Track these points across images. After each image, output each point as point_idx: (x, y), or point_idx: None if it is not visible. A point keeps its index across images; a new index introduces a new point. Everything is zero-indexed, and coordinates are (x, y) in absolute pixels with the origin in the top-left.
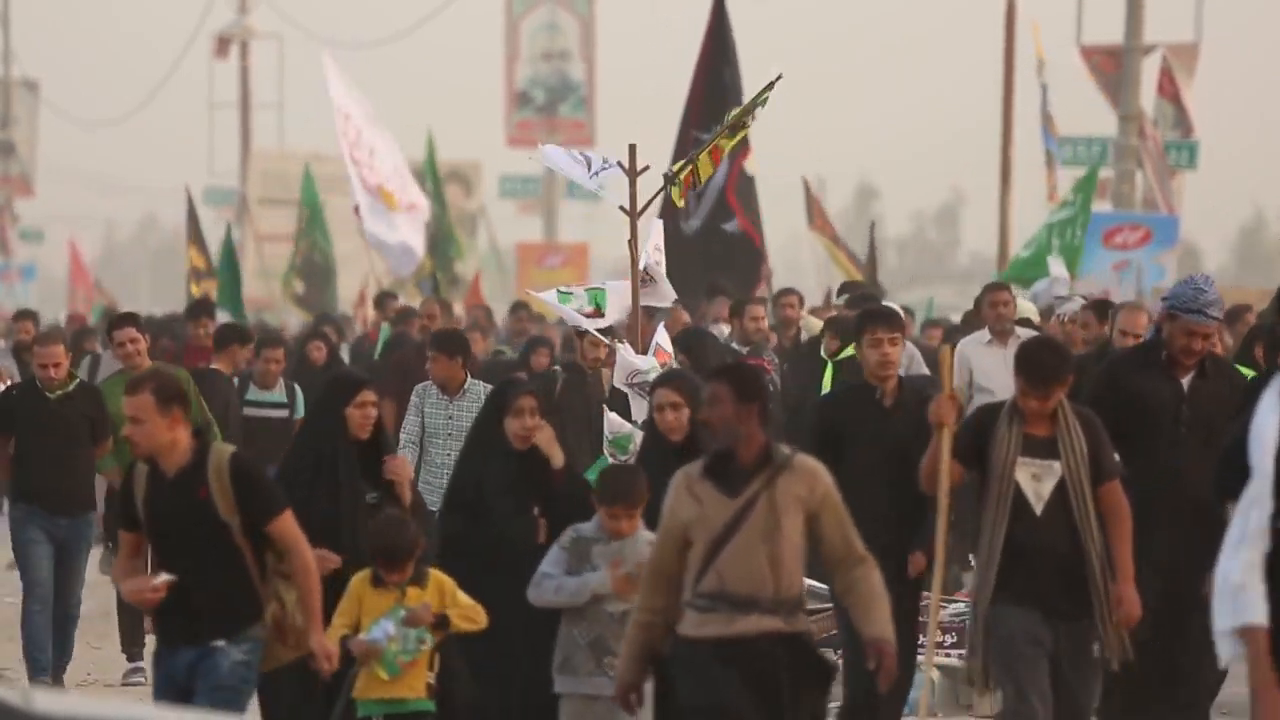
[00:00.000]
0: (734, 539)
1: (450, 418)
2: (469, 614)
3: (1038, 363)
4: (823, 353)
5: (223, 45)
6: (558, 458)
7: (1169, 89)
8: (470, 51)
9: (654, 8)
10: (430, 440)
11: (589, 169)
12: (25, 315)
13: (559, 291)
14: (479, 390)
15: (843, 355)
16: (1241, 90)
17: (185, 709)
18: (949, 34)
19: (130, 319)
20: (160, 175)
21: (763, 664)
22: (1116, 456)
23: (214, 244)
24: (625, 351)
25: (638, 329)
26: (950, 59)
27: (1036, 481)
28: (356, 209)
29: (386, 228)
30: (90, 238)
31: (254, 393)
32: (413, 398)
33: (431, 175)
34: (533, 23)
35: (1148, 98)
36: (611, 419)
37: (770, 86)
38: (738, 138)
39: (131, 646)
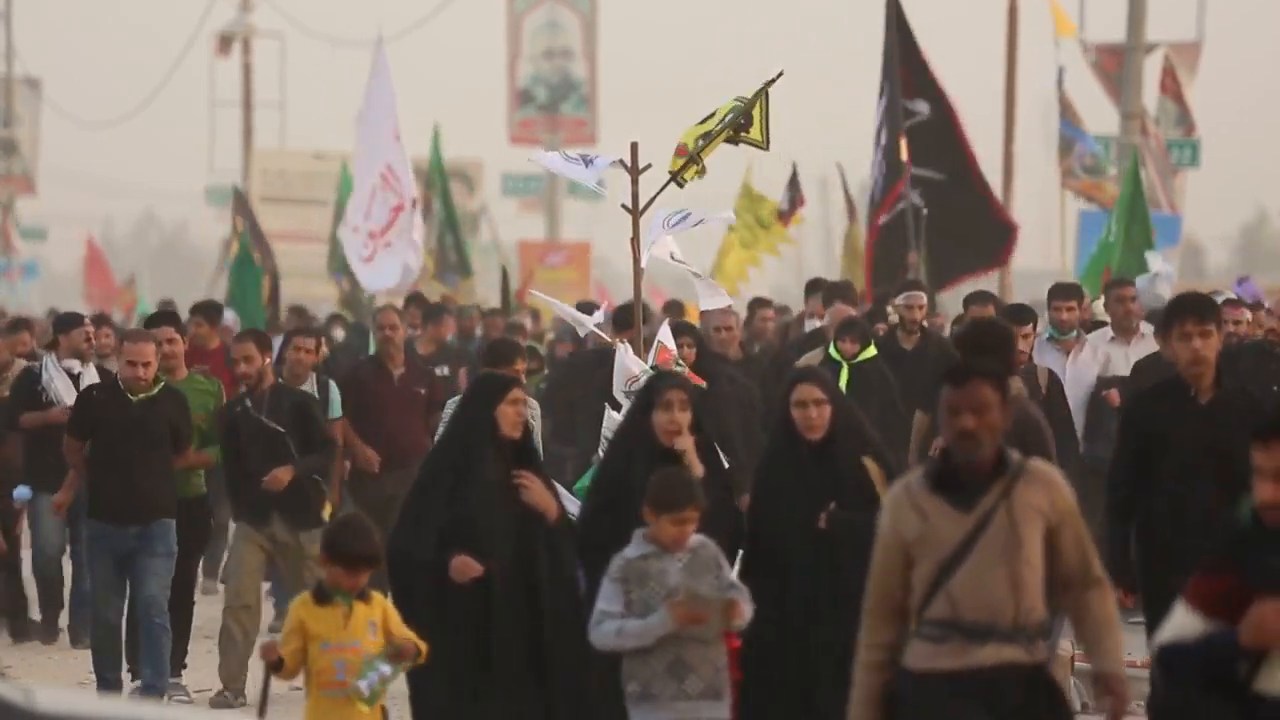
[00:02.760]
0: (968, 559)
1: None
2: (418, 644)
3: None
4: (834, 353)
5: (225, 43)
6: (697, 469)
7: (1171, 87)
8: (472, 50)
9: (656, 5)
10: None
11: (585, 165)
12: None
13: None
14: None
15: (861, 359)
16: (1243, 88)
17: (185, 709)
18: (949, 29)
19: (168, 318)
20: (162, 173)
21: (1001, 700)
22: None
23: (213, 242)
24: (624, 354)
25: (639, 328)
26: (950, 55)
27: None
28: (414, 203)
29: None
30: (86, 238)
31: None
32: (449, 410)
33: (439, 172)
34: (534, 21)
35: (1150, 96)
36: (614, 418)
37: (771, 83)
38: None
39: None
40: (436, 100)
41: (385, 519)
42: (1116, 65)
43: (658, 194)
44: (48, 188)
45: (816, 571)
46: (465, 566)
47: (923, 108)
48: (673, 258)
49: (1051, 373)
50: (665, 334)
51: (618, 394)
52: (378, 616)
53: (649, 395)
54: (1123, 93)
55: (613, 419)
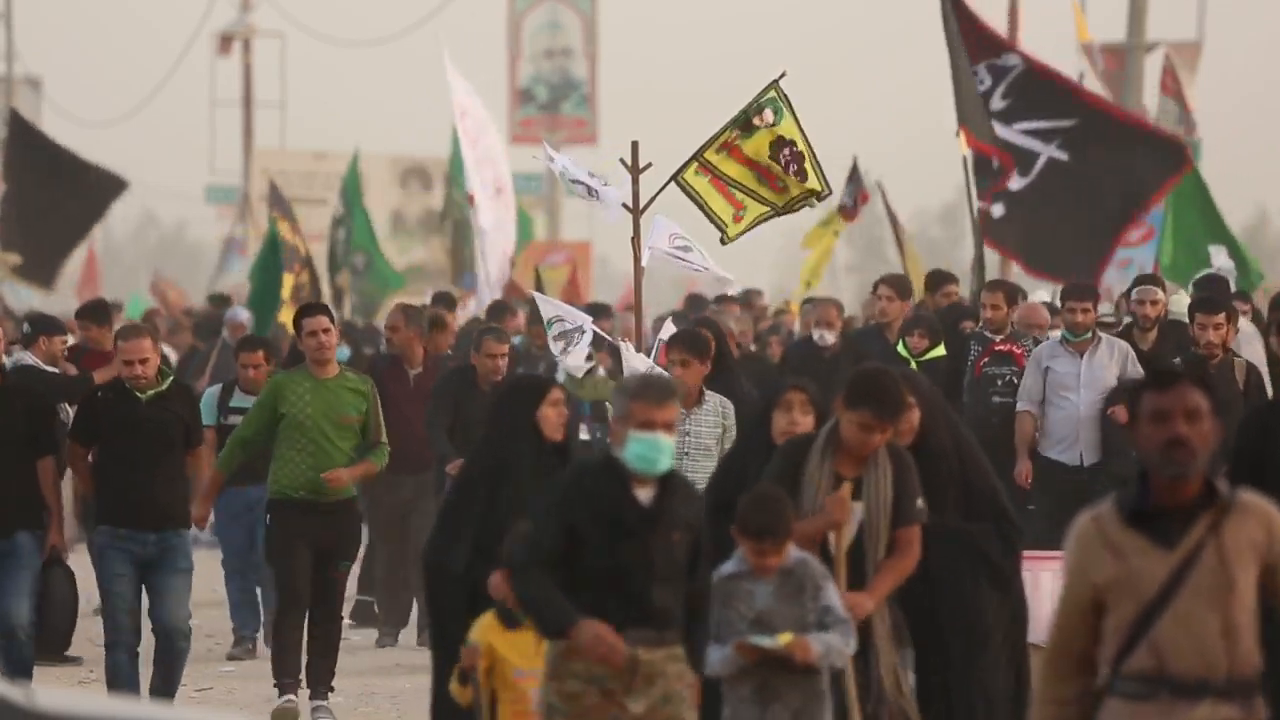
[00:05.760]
0: (1173, 603)
1: (688, 433)
2: None
3: (884, 391)
4: (902, 350)
5: (225, 43)
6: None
7: (1171, 87)
8: (472, 49)
9: (656, 5)
10: None
11: (589, 177)
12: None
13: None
14: (717, 403)
15: (930, 356)
16: (1244, 88)
17: (186, 709)
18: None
19: (321, 308)
20: (162, 173)
21: None
22: (921, 502)
23: (214, 242)
24: (626, 353)
25: (638, 328)
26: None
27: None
28: (471, 198)
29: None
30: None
31: (239, 399)
32: None
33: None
34: (535, 20)
35: (1150, 95)
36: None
37: (774, 85)
38: (756, 136)
39: (284, 677)
40: (436, 99)
41: (402, 525)
42: (1117, 64)
43: (658, 193)
44: None
45: (909, 580)
46: (499, 586)
47: (1013, 60)
48: (672, 248)
49: (1252, 366)
50: (667, 332)
51: None
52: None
53: (770, 395)
54: (1123, 92)
55: None
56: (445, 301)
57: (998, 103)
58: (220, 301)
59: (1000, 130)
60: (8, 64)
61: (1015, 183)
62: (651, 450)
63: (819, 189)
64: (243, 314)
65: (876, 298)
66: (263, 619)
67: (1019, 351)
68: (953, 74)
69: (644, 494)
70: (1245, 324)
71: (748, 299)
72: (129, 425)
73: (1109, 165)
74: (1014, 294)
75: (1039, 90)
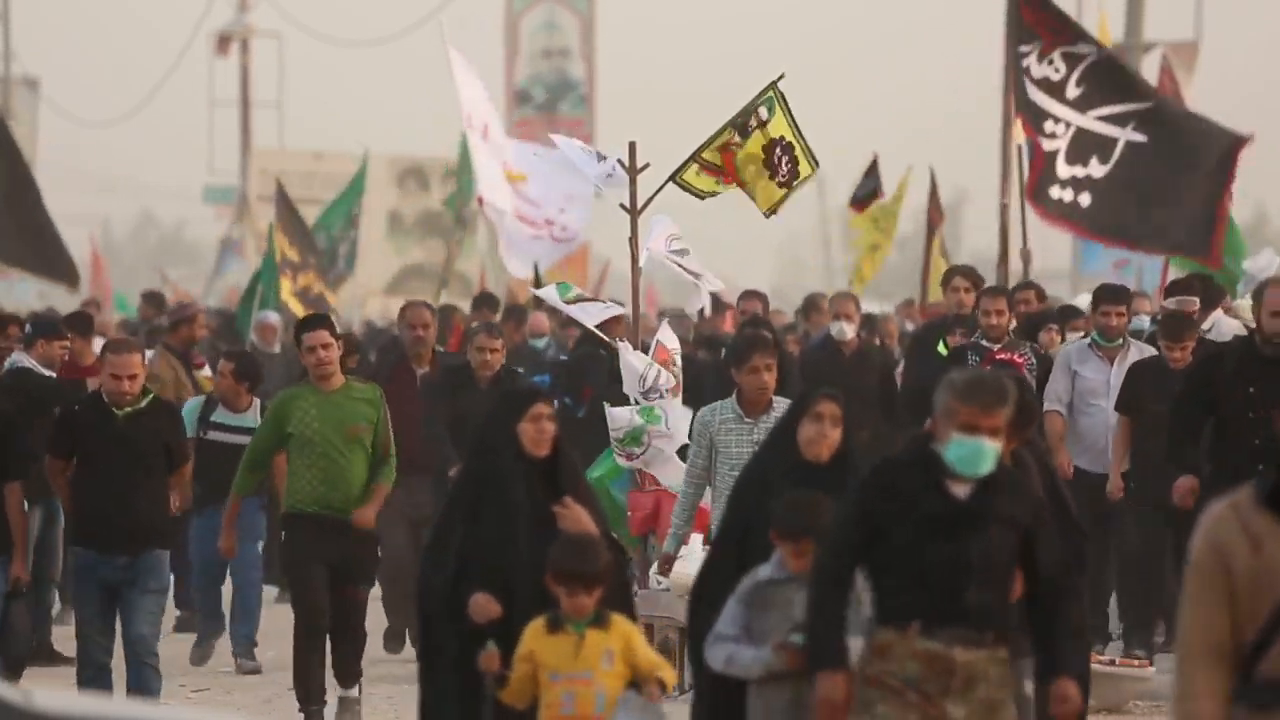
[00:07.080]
0: None
1: (758, 443)
2: (665, 673)
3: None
4: (943, 349)
5: (223, 43)
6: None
7: (1169, 87)
8: (470, 49)
9: (654, 5)
10: (731, 473)
11: (598, 161)
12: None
13: (559, 285)
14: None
15: None
16: (1242, 88)
17: (186, 709)
18: (948, 26)
19: (321, 321)
20: (160, 173)
21: None
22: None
23: (210, 242)
24: (626, 352)
25: (636, 328)
26: (948, 52)
27: None
28: (480, 200)
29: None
30: (90, 235)
31: (221, 414)
32: (696, 424)
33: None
34: (532, 20)
35: None
36: (614, 414)
37: (773, 85)
38: (750, 140)
39: (310, 704)
40: (435, 100)
41: (415, 529)
42: None
43: (655, 194)
44: (46, 187)
45: None
46: (480, 608)
47: (1086, 48)
48: (669, 252)
49: None
50: (665, 333)
51: (630, 393)
52: (616, 645)
53: (801, 403)
54: None
55: (616, 416)
56: (489, 303)
57: (1073, 90)
58: (154, 300)
59: (1076, 118)
60: (5, 64)
61: (1097, 170)
62: (973, 454)
63: (809, 171)
64: (272, 317)
65: (953, 289)
66: (245, 624)
67: (1020, 360)
68: (1008, 63)
69: (961, 489)
70: (1230, 319)
71: (814, 302)
72: (105, 442)
73: (1185, 143)
74: (1012, 300)
75: (1112, 75)
